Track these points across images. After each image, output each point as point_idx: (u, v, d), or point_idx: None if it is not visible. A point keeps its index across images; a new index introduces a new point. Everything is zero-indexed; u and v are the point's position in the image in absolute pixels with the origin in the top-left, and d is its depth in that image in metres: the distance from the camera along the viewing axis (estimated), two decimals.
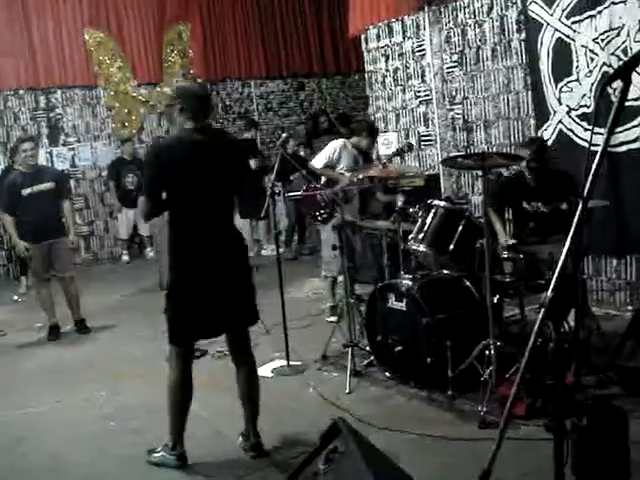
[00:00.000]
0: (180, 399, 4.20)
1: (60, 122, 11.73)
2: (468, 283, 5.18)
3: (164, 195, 4.02)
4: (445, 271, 5.43)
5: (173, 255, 4.06)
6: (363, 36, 9.17)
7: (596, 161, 2.06)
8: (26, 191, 7.11)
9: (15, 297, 9.60)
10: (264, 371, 5.51)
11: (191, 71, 12.60)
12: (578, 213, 2.03)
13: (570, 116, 6.61)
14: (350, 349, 5.37)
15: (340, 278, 6.79)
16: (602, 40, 6.24)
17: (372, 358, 5.44)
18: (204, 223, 4.04)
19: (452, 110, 8.06)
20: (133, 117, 12.27)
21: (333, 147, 6.65)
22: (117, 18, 11.97)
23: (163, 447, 4.28)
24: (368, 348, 5.48)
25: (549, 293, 1.99)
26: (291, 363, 5.64)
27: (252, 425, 4.28)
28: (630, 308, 6.16)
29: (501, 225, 5.57)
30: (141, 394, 5.48)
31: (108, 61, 11.92)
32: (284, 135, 6.24)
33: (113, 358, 6.52)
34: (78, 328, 7.48)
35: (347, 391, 5.07)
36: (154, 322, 7.56)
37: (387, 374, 5.25)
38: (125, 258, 11.87)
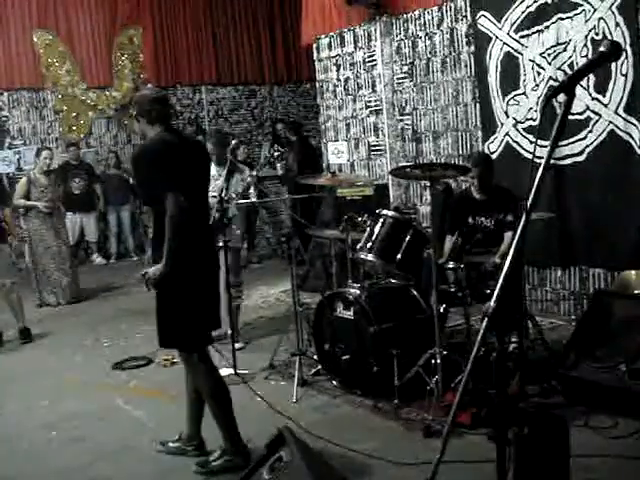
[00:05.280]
0: (224, 402, 4.09)
1: (6, 125, 11.51)
2: (415, 292, 5.22)
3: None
4: (392, 280, 5.46)
5: (181, 256, 3.87)
6: (315, 45, 9.20)
7: (539, 173, 2.09)
8: None
9: None
10: None
11: (141, 75, 12.47)
12: (521, 225, 2.05)
13: (517, 129, 6.72)
14: (298, 358, 5.36)
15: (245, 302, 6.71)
16: (549, 55, 6.36)
17: (319, 367, 5.43)
18: (203, 220, 4.16)
19: (402, 121, 8.13)
20: (81, 121, 12.10)
21: None
22: (67, 20, 11.80)
23: (221, 453, 4.10)
24: (316, 357, 5.47)
25: (492, 303, 2.00)
26: (238, 371, 5.59)
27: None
28: (573, 318, 6.27)
29: (449, 244, 5.67)
30: (83, 402, 5.38)
31: (57, 63, 11.73)
32: (234, 142, 6.19)
33: (55, 366, 6.39)
34: (21, 336, 7.28)
35: (294, 400, 5.04)
36: (96, 329, 7.49)
37: (334, 383, 5.24)
38: None
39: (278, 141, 11.89)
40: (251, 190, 6.35)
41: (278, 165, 11.14)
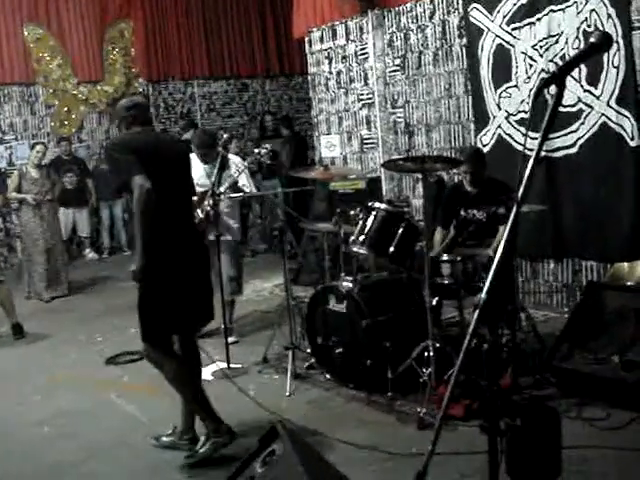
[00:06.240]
0: (194, 385, 4.22)
1: None
2: (408, 285, 5.22)
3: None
4: (385, 273, 5.45)
5: (156, 249, 3.89)
6: (307, 38, 9.18)
7: (530, 165, 2.08)
8: None
9: None
10: (204, 374, 5.44)
11: (133, 69, 12.43)
12: (512, 217, 2.05)
13: (509, 121, 6.72)
14: (291, 352, 5.36)
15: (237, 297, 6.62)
16: (541, 47, 6.36)
17: (313, 360, 5.43)
18: (181, 217, 4.15)
19: (394, 114, 8.12)
20: (73, 116, 12.05)
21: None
22: (57, 14, 11.74)
23: (206, 438, 4.12)
24: (309, 350, 5.47)
25: (483, 295, 2.00)
26: (232, 366, 5.60)
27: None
28: (566, 310, 6.28)
29: (440, 238, 5.67)
30: (77, 398, 5.38)
31: (48, 58, 11.68)
32: (225, 136, 6.17)
33: (49, 361, 6.38)
34: (14, 332, 7.25)
35: (287, 394, 5.05)
36: (89, 324, 7.47)
37: (327, 376, 5.25)
38: None
39: (265, 134, 11.79)
40: (244, 181, 6.30)
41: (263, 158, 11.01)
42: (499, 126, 6.82)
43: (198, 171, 5.82)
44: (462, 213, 5.63)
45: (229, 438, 4.11)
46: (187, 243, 4.13)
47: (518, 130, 6.63)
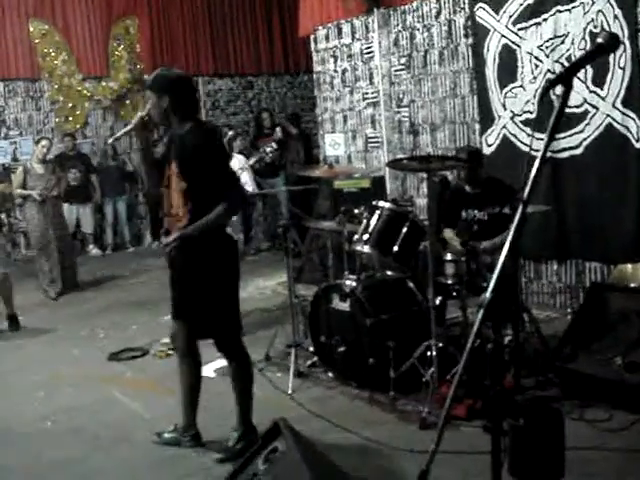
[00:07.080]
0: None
1: (2, 115, 11.47)
2: (411, 284, 5.22)
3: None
4: (389, 272, 5.45)
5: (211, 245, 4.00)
6: (312, 36, 9.18)
7: (535, 166, 2.08)
8: None
9: None
10: (207, 371, 5.45)
11: (138, 66, 12.42)
12: (517, 217, 2.04)
13: (514, 121, 6.71)
14: (293, 350, 5.35)
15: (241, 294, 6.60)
16: (547, 47, 6.35)
17: (315, 359, 5.43)
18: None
19: (399, 113, 8.11)
20: (77, 112, 12.04)
21: None
22: (62, 10, 11.74)
23: (240, 436, 4.21)
24: (311, 349, 5.47)
25: (488, 294, 2.00)
26: None
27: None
28: (569, 311, 6.27)
29: (454, 235, 5.66)
30: (79, 394, 5.38)
31: (53, 54, 11.67)
32: (230, 133, 6.18)
33: (51, 357, 6.38)
34: (9, 323, 7.28)
35: (290, 392, 5.04)
36: (92, 320, 7.47)
37: (330, 375, 5.25)
38: None
39: (261, 132, 11.76)
40: (246, 179, 6.30)
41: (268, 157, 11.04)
42: (504, 126, 6.81)
43: None
44: (463, 214, 5.62)
45: (255, 435, 4.14)
46: (229, 238, 4.25)
47: (523, 130, 6.62)
